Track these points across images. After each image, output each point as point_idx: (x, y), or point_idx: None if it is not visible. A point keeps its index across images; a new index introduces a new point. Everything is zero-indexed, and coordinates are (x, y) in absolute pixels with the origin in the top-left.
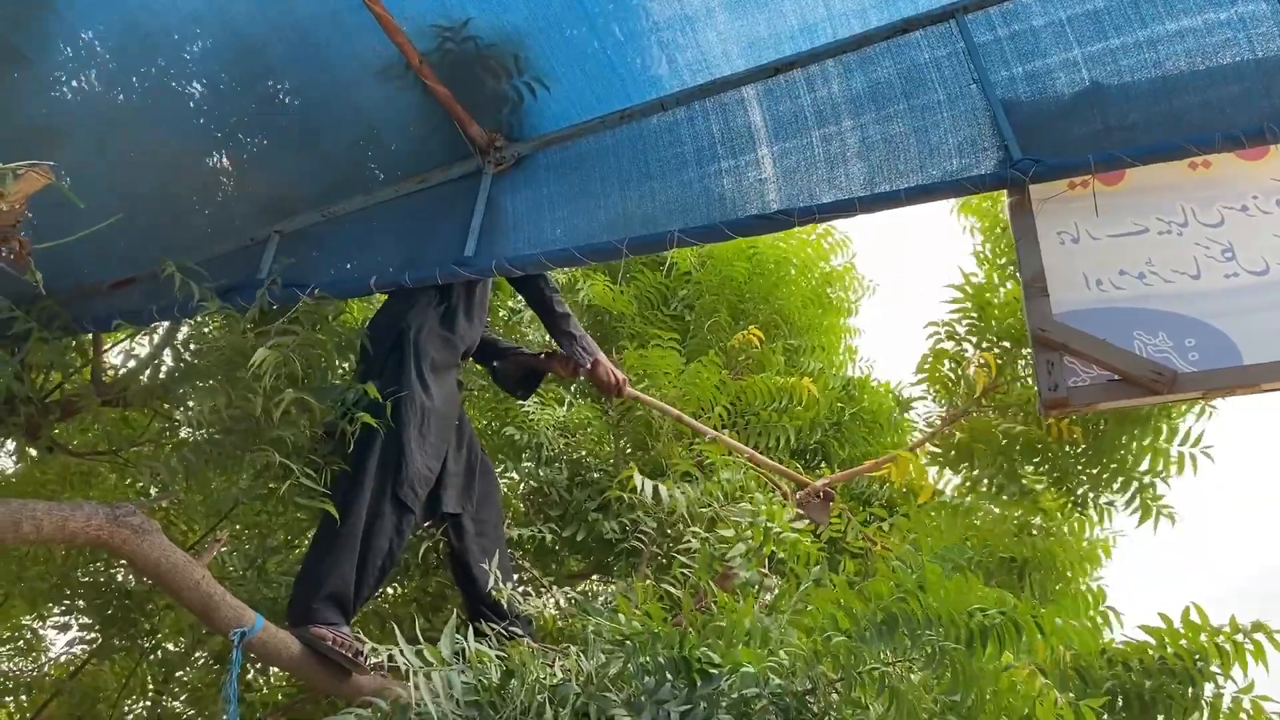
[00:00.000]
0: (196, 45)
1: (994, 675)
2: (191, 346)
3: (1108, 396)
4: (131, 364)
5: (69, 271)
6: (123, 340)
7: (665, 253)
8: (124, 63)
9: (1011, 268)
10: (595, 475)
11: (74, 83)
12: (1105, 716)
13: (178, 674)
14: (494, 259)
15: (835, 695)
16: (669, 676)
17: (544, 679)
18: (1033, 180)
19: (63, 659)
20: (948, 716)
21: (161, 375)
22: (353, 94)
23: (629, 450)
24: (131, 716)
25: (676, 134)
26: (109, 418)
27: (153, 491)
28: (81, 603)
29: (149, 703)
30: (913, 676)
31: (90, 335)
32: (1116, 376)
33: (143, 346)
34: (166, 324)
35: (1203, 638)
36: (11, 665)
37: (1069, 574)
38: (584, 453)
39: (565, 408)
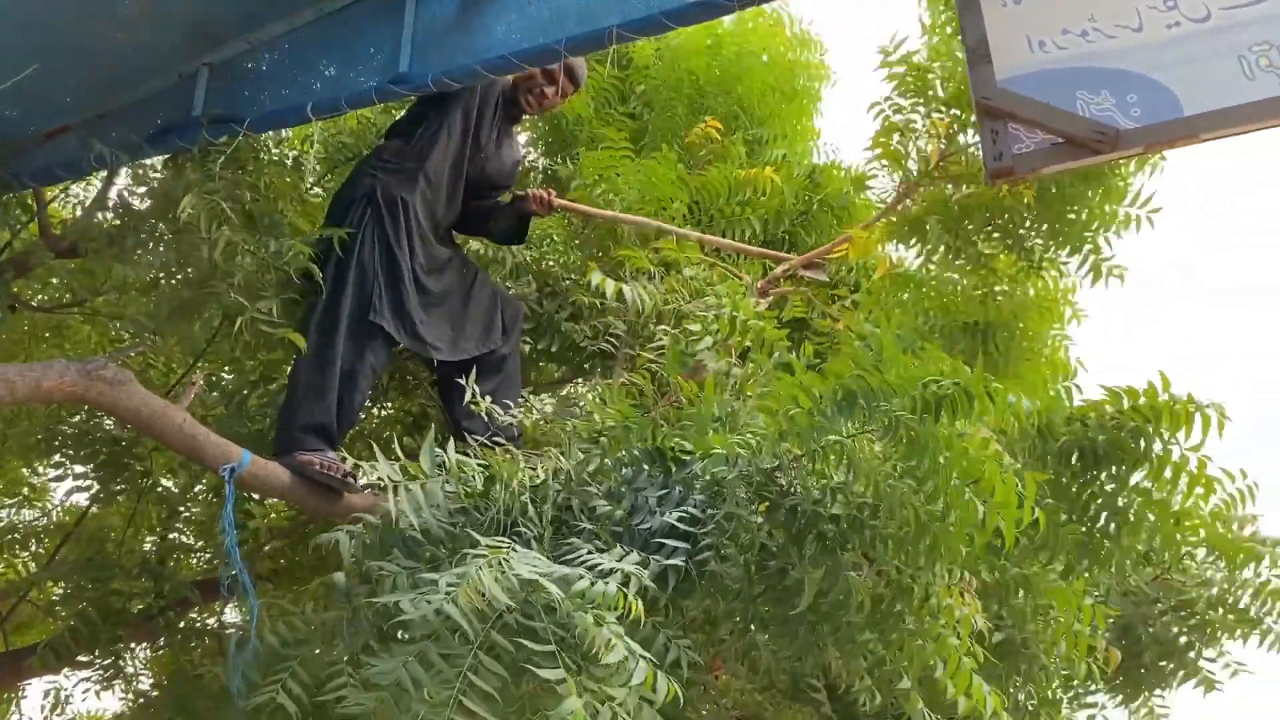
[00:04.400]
0: None
1: (947, 441)
2: (139, 190)
3: (1052, 160)
4: (79, 214)
5: None
6: (65, 188)
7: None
8: None
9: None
10: (564, 284)
11: None
12: (1061, 471)
13: (179, 509)
14: (429, 73)
15: (800, 469)
16: (645, 466)
17: (526, 480)
18: None
19: (67, 506)
20: (905, 480)
21: (112, 222)
22: None
23: (596, 254)
24: (141, 554)
25: None
26: (68, 270)
27: (126, 338)
28: (71, 452)
29: (157, 539)
30: (873, 447)
31: (31, 190)
32: (1060, 140)
33: (88, 194)
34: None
35: (1161, 397)
36: (18, 518)
37: (1031, 332)
38: (550, 263)
39: None
